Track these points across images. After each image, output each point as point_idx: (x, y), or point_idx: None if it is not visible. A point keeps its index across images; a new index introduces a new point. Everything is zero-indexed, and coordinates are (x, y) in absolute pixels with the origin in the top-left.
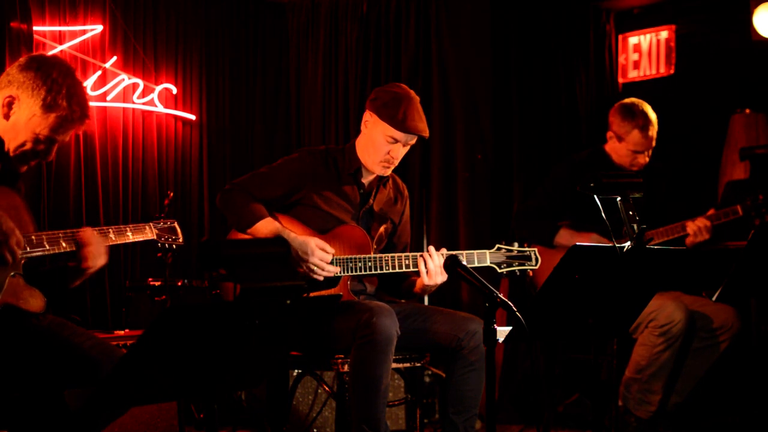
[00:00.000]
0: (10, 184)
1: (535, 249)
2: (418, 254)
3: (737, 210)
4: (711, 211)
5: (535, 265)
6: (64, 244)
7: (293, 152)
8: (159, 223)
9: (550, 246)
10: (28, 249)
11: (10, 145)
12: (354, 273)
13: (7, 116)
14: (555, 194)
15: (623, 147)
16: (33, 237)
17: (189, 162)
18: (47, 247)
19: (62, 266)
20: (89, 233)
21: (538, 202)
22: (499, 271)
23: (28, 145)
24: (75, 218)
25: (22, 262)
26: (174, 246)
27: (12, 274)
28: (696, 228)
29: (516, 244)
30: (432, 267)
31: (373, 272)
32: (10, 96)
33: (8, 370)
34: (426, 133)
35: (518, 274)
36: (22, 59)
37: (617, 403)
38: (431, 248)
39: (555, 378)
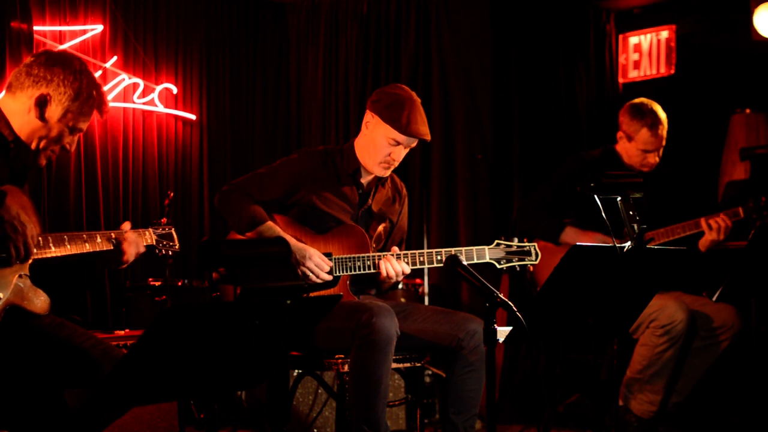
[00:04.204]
0: (18, 184)
1: (535, 244)
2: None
3: (738, 212)
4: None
5: (535, 260)
6: (104, 239)
7: (292, 153)
8: (158, 229)
9: (556, 243)
10: (35, 251)
11: (41, 142)
12: (353, 272)
13: (41, 115)
14: (560, 191)
15: (633, 147)
16: (40, 239)
17: (189, 162)
18: (53, 249)
19: (75, 267)
20: (131, 233)
21: (543, 196)
22: (499, 266)
23: (56, 137)
24: (75, 218)
25: (29, 263)
26: (170, 252)
27: (19, 274)
28: (716, 225)
29: (515, 240)
30: (392, 273)
31: (373, 271)
32: (42, 94)
33: (8, 370)
34: (428, 137)
35: (518, 269)
36: (40, 57)
37: (617, 403)
38: (390, 256)
39: (555, 378)
